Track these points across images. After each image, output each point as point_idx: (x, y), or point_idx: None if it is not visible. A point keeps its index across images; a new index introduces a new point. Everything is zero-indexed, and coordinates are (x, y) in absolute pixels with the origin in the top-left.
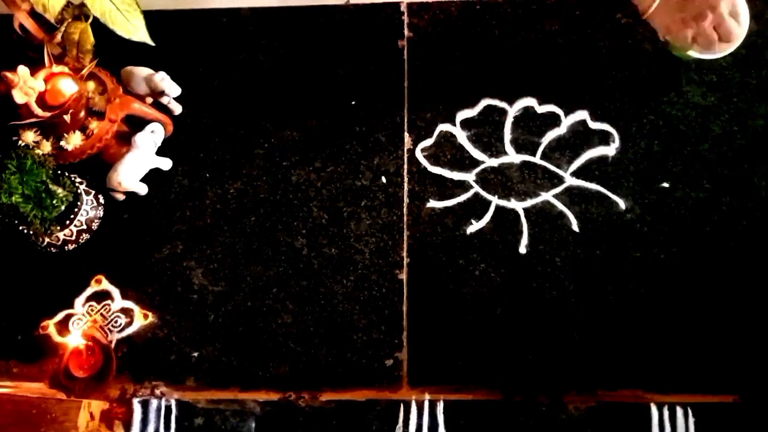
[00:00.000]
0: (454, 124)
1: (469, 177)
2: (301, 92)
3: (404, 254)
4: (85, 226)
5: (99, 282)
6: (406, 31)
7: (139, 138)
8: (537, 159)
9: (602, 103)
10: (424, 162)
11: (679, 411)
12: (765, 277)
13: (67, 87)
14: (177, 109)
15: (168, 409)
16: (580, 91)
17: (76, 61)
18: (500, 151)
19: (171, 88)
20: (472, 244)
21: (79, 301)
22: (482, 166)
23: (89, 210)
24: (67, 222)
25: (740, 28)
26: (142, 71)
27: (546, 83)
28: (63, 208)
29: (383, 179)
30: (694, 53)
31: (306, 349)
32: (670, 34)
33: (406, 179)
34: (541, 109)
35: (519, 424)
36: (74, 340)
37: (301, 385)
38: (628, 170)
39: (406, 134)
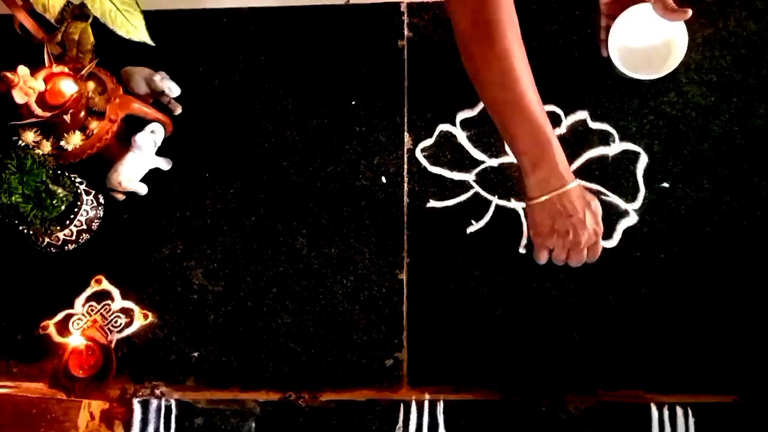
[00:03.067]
0: (454, 124)
1: (469, 177)
2: (301, 92)
3: (404, 254)
4: (85, 226)
5: (99, 282)
6: (406, 31)
7: (139, 138)
8: None
9: (602, 103)
10: (424, 162)
11: (679, 411)
12: (765, 277)
13: (67, 87)
14: (177, 109)
15: (168, 409)
16: (580, 91)
17: (76, 61)
18: (500, 151)
19: (171, 88)
20: (472, 244)
21: (79, 301)
22: (482, 166)
23: (89, 210)
24: (67, 222)
25: (665, 54)
26: (142, 71)
27: (546, 83)
28: (63, 208)
29: (383, 179)
30: (621, 67)
31: (306, 349)
32: (533, 232)
33: (406, 179)
34: None
35: (519, 424)
36: (74, 340)
37: (301, 385)
38: (628, 170)
39: (406, 134)
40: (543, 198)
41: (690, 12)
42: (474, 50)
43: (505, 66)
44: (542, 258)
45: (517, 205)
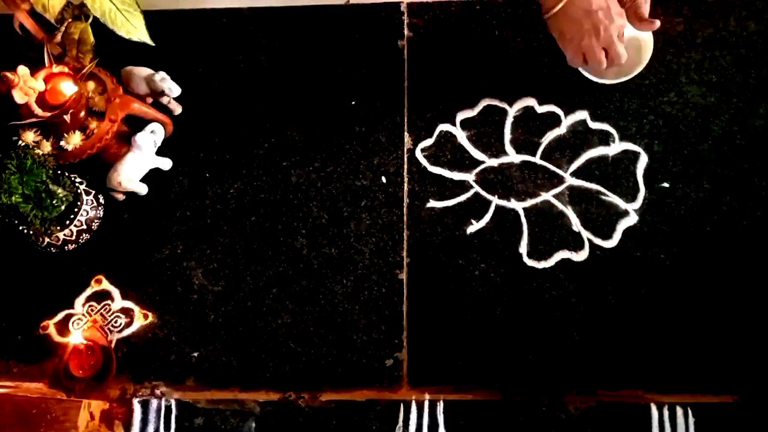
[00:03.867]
0: (454, 124)
1: (469, 177)
2: (301, 92)
3: (404, 254)
4: (85, 226)
5: (99, 282)
6: (406, 31)
7: (139, 138)
8: (537, 159)
9: (602, 103)
10: (424, 162)
11: (679, 411)
12: (765, 277)
13: (67, 87)
14: (177, 109)
15: (168, 409)
16: (580, 91)
17: (76, 61)
18: (500, 151)
19: (171, 88)
20: (472, 244)
21: (79, 301)
22: (482, 166)
23: (89, 210)
24: (67, 222)
25: (636, 57)
26: (142, 71)
27: (546, 83)
28: (63, 208)
29: (383, 179)
30: (586, 73)
31: (306, 349)
32: (563, 42)
33: (406, 179)
34: (541, 109)
35: (519, 424)
36: (74, 340)
37: (301, 385)
38: (628, 170)
39: (406, 134)
40: (561, 3)
41: (658, 23)
42: None
43: None
44: (579, 61)
45: (517, 205)
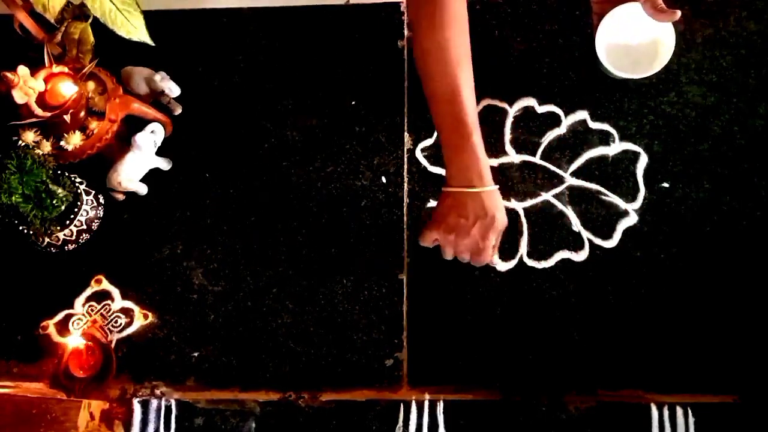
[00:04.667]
0: None
1: None
2: (301, 92)
3: (404, 254)
4: (85, 226)
5: (99, 282)
6: (406, 31)
7: (139, 138)
8: (537, 159)
9: (602, 103)
10: (424, 162)
11: (679, 411)
12: (765, 277)
13: (67, 87)
14: (177, 109)
15: (168, 409)
16: (580, 91)
17: (76, 61)
18: (500, 151)
19: (171, 88)
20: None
21: (79, 301)
22: None
23: (89, 210)
24: (67, 222)
25: (652, 54)
26: (142, 71)
27: (546, 83)
28: (63, 208)
29: (383, 179)
30: (607, 65)
31: (306, 349)
32: (429, 220)
33: (406, 179)
34: (541, 109)
35: (519, 424)
36: (74, 340)
37: (301, 385)
38: (628, 170)
39: (406, 134)
40: (452, 189)
41: (679, 13)
42: (418, 35)
43: (442, 57)
44: (423, 241)
45: (517, 205)
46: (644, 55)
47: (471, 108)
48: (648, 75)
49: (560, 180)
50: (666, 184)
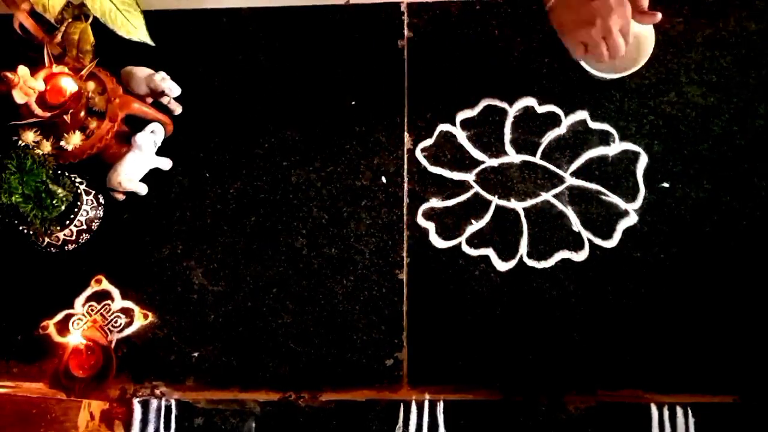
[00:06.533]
0: (454, 124)
1: (469, 177)
2: (301, 92)
3: (404, 254)
4: (85, 226)
5: (99, 282)
6: (406, 31)
7: (139, 138)
8: (537, 159)
9: (602, 103)
10: (424, 162)
11: (679, 411)
12: (765, 277)
13: (67, 87)
14: (177, 109)
15: (168, 409)
16: (580, 91)
17: (76, 61)
18: (500, 151)
19: (171, 88)
20: (472, 245)
21: (79, 301)
22: (482, 166)
23: (89, 210)
24: (67, 222)
25: (634, 51)
26: (142, 71)
27: (546, 83)
28: (63, 208)
29: (383, 179)
30: (586, 66)
31: (306, 349)
32: (563, 34)
33: (406, 179)
34: (541, 109)
35: (519, 424)
36: (74, 340)
37: (301, 385)
38: (628, 170)
39: (406, 134)
40: None
41: (660, 15)
42: None
43: None
44: (579, 52)
45: (517, 205)
46: (626, 51)
47: None
48: (635, 70)
49: (560, 180)
50: (666, 184)
